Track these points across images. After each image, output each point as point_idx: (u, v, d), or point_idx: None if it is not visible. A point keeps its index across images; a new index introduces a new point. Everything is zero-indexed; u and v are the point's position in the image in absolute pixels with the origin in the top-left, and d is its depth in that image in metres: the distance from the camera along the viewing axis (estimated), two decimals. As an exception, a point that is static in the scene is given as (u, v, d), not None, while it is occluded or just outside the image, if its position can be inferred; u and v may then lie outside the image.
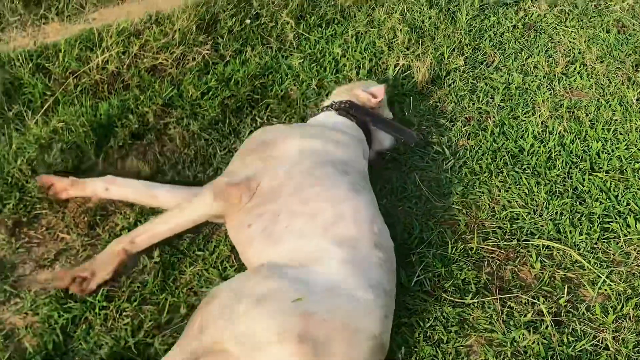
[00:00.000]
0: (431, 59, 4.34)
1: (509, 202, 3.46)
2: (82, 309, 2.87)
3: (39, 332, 2.79)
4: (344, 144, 3.21)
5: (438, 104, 4.09)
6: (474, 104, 4.14)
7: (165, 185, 3.32)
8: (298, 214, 2.85)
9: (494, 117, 4.01)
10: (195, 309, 2.82)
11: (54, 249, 3.14)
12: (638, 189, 3.54)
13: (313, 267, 2.63)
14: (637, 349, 2.81)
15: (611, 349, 2.80)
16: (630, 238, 3.27)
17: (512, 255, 3.19)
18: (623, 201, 3.46)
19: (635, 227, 3.31)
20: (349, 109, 3.49)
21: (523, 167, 3.65)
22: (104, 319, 2.85)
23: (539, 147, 3.78)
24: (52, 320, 2.82)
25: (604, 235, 3.29)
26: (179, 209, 3.11)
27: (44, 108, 3.82)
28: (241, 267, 3.06)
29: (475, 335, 2.85)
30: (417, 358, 2.74)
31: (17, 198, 3.28)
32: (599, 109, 4.12)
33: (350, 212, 2.83)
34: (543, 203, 3.43)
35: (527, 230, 3.30)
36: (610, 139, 3.87)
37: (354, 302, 2.52)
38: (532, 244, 3.23)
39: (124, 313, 2.88)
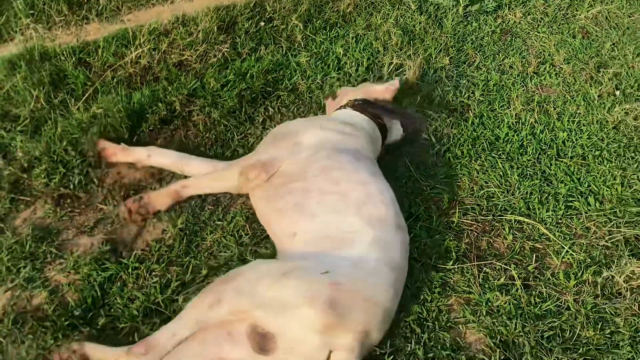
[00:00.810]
0: (421, 59, 4.33)
1: (485, 182, 3.46)
2: (117, 269, 2.90)
3: (79, 288, 2.81)
4: (356, 136, 3.18)
5: (426, 97, 4.08)
6: (457, 98, 4.13)
7: (197, 157, 3.37)
8: (328, 192, 2.82)
9: (474, 109, 4.01)
10: (213, 272, 2.87)
11: (93, 217, 3.15)
12: (598, 172, 3.55)
13: (340, 250, 2.61)
14: (595, 309, 2.83)
15: (572, 309, 2.82)
16: (591, 215, 3.29)
17: (487, 228, 3.20)
18: (585, 183, 3.47)
19: (595, 205, 3.33)
20: (362, 105, 3.45)
21: (499, 153, 3.66)
22: (136, 278, 2.87)
23: (513, 135, 3.78)
24: (91, 279, 2.85)
25: (567, 212, 3.30)
26: (216, 174, 3.23)
27: (85, 96, 3.82)
28: (255, 235, 3.08)
29: (455, 295, 2.87)
30: (405, 314, 2.76)
31: (61, 174, 3.29)
32: (565, 104, 4.12)
33: (376, 194, 2.82)
34: (515, 184, 3.44)
35: (501, 207, 3.31)
36: (575, 130, 3.87)
37: (377, 279, 2.52)
38: (505, 219, 3.24)
39: (153, 273, 2.90)
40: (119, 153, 3.32)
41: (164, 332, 2.46)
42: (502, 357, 2.61)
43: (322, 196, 2.81)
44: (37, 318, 2.69)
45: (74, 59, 4.07)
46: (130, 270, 2.90)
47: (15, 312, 2.71)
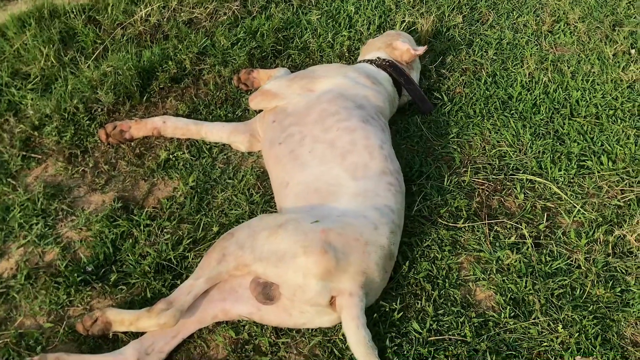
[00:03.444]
0: (434, 17, 4.27)
1: (498, 142, 3.44)
2: (129, 225, 2.91)
3: (91, 244, 2.84)
4: (371, 89, 3.19)
5: (438, 56, 4.04)
6: (470, 56, 4.08)
7: (210, 122, 3.38)
8: (319, 140, 2.86)
9: (487, 68, 3.96)
10: (224, 229, 2.89)
11: (104, 175, 3.16)
12: (611, 132, 3.51)
13: (328, 203, 2.67)
14: (605, 268, 2.83)
15: (583, 267, 2.82)
16: (603, 174, 3.26)
17: (499, 187, 3.19)
18: (598, 142, 3.44)
19: (608, 164, 3.30)
20: (387, 67, 3.46)
21: (511, 112, 3.62)
22: (148, 235, 2.89)
23: (526, 95, 3.74)
24: (103, 235, 2.87)
25: (580, 171, 3.28)
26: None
27: (95, 54, 3.81)
28: (265, 193, 3.09)
29: (465, 254, 2.87)
30: (415, 272, 2.77)
31: (72, 131, 3.30)
32: (580, 63, 4.06)
33: (361, 140, 2.83)
34: (528, 143, 3.41)
35: (513, 166, 3.29)
36: (589, 89, 3.82)
37: (363, 220, 2.55)
38: (517, 178, 3.22)
39: (165, 230, 2.92)
40: (132, 126, 3.32)
41: (182, 289, 2.49)
42: (511, 314, 2.61)
43: (314, 144, 2.86)
44: (50, 274, 2.72)
45: (83, 16, 4.05)
46: (141, 227, 2.92)
47: (28, 268, 2.73)
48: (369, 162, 2.77)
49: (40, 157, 3.23)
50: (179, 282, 2.69)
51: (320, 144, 2.85)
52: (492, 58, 4.07)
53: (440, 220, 2.99)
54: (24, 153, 3.22)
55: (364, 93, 3.14)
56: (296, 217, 2.56)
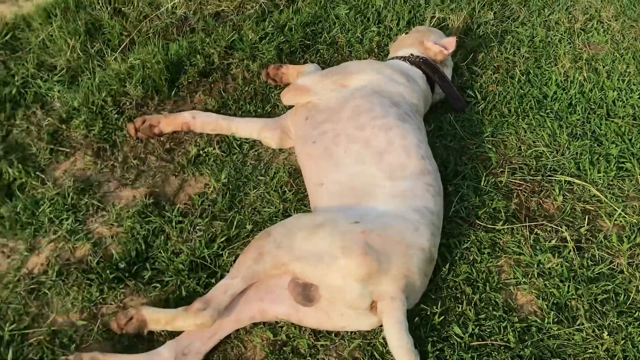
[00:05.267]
0: (465, 14, 4.23)
1: (533, 142, 3.39)
2: (160, 222, 2.88)
3: (123, 241, 2.81)
4: (406, 86, 3.16)
5: (470, 53, 3.99)
6: (501, 54, 4.04)
7: (240, 118, 3.36)
8: (354, 138, 2.82)
9: (520, 66, 3.92)
10: (258, 227, 2.86)
11: (134, 170, 3.13)
12: (650, 134, 3.47)
13: (364, 203, 2.63)
14: (649, 273, 2.79)
15: (626, 272, 2.78)
16: (643, 177, 3.22)
17: (537, 188, 3.14)
18: (637, 144, 3.38)
19: (647, 167, 3.25)
20: (421, 64, 3.41)
21: (547, 112, 3.57)
22: (180, 232, 2.86)
23: (562, 94, 3.69)
24: (135, 231, 2.84)
25: (619, 173, 3.23)
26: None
27: (122, 47, 3.78)
28: (298, 191, 3.05)
29: (505, 256, 2.83)
30: (455, 274, 2.73)
31: (100, 125, 3.26)
32: (614, 62, 4.01)
33: (398, 139, 2.79)
34: (565, 144, 3.36)
35: (551, 167, 3.24)
36: (625, 89, 3.77)
37: (403, 221, 2.51)
38: (555, 179, 3.18)
39: (197, 227, 2.89)
40: (162, 121, 3.28)
41: (218, 288, 2.46)
42: (555, 320, 2.58)
43: (349, 143, 2.82)
44: (82, 270, 2.69)
45: (109, 8, 4.02)
46: (173, 223, 2.89)
47: (60, 264, 2.71)
48: (406, 162, 2.73)
49: (68, 150, 3.20)
50: (213, 280, 2.67)
51: (355, 143, 2.81)
52: (524, 56, 4.02)
53: (478, 221, 2.95)
54: (52, 146, 3.19)
55: (399, 90, 3.11)
56: (334, 217, 2.53)
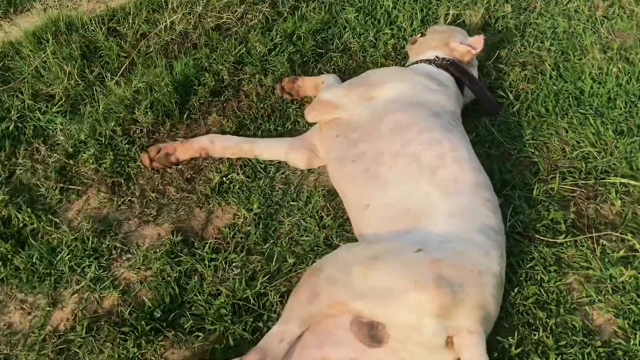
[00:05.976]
0: (482, 9, 4.02)
1: (577, 142, 3.19)
2: (192, 261, 2.64)
3: (153, 285, 2.57)
4: (440, 92, 2.94)
5: (492, 50, 3.78)
6: (525, 48, 3.84)
7: (262, 139, 3.13)
8: (400, 155, 2.61)
9: (547, 60, 3.71)
10: (300, 260, 2.63)
11: (154, 204, 2.89)
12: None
13: (420, 226, 2.40)
14: None
15: None
16: (702, 173, 3.02)
17: (591, 194, 2.94)
18: (687, 136, 3.20)
19: None
20: (449, 67, 3.19)
21: (586, 108, 3.37)
22: (215, 270, 2.63)
23: (598, 88, 3.49)
24: (165, 274, 2.61)
25: (676, 171, 3.04)
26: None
27: (122, 69, 3.53)
28: (337, 215, 2.82)
29: (572, 273, 2.62)
30: (523, 297, 2.52)
31: (112, 157, 3.02)
32: (646, 50, 3.83)
33: (449, 153, 2.58)
34: (612, 142, 3.16)
35: (601, 169, 3.03)
36: (662, 78, 3.59)
37: (471, 246, 2.29)
38: (608, 182, 2.97)
39: (233, 264, 2.65)
40: (178, 148, 3.04)
41: (272, 335, 2.24)
42: (640, 341, 2.37)
43: (394, 160, 2.61)
44: (113, 323, 2.44)
45: (103, 28, 3.76)
46: (206, 262, 2.65)
47: (88, 318, 2.46)
48: (459, 176, 2.51)
49: (79, 188, 2.95)
50: (260, 324, 2.44)
51: (401, 160, 2.59)
52: (549, 49, 3.82)
53: (537, 236, 2.73)
54: (62, 185, 2.94)
55: (435, 98, 2.89)
56: (393, 246, 2.30)
